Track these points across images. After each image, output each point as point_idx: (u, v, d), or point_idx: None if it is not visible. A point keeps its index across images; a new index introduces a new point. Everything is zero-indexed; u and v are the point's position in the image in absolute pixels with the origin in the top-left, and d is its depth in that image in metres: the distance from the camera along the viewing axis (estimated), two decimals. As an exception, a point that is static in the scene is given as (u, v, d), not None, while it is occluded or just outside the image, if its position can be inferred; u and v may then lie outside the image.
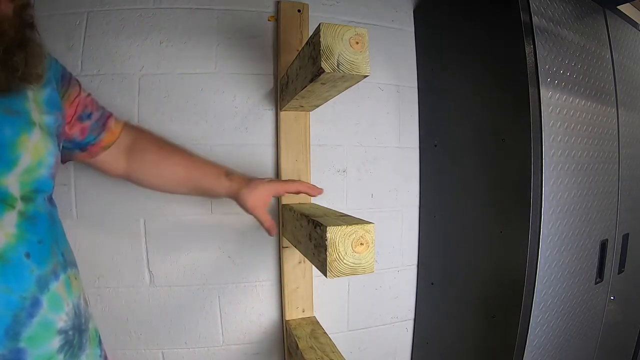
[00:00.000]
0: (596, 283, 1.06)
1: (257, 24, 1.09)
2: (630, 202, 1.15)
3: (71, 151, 0.77)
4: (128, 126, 0.86)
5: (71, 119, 0.72)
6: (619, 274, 1.15)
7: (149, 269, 1.04)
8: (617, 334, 1.24)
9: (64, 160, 0.79)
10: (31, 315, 0.51)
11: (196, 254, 1.06)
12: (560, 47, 0.92)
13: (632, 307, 1.29)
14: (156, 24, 1.03)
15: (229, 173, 0.86)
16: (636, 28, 1.22)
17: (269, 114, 1.10)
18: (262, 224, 0.86)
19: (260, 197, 0.84)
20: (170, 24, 1.04)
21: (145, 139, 0.86)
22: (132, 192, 1.02)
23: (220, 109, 1.07)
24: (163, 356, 1.07)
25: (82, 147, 0.77)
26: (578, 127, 0.95)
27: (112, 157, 0.82)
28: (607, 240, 1.07)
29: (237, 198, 0.86)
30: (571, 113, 0.94)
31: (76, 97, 0.73)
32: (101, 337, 0.70)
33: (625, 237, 1.16)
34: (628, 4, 1.19)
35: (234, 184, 0.85)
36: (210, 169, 0.86)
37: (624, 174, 1.11)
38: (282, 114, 1.05)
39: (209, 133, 1.06)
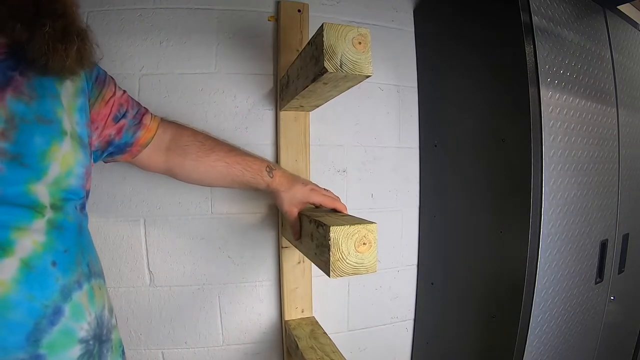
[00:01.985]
0: (596, 283, 1.06)
1: (257, 24, 1.09)
2: (630, 202, 1.15)
3: (112, 155, 0.77)
4: (165, 122, 0.85)
5: (106, 120, 0.71)
6: (619, 274, 1.15)
7: (149, 269, 1.04)
8: (617, 334, 1.24)
9: (107, 161, 0.81)
10: (52, 323, 0.51)
11: (196, 254, 1.06)
12: (560, 47, 0.92)
13: (632, 307, 1.29)
14: (156, 24, 1.03)
15: (270, 168, 0.86)
16: (636, 28, 1.22)
17: (268, 114, 1.10)
18: (290, 227, 0.87)
19: (297, 205, 0.84)
20: (170, 24, 1.04)
21: (185, 134, 0.85)
22: (132, 192, 1.02)
23: (220, 109, 1.07)
24: (163, 356, 1.06)
25: (122, 148, 0.76)
26: (578, 127, 0.96)
27: (150, 153, 0.81)
28: (607, 240, 1.07)
29: (275, 198, 0.87)
30: (571, 113, 0.94)
31: (111, 97, 0.72)
32: (124, 349, 0.71)
33: (625, 237, 1.16)
34: (628, 4, 1.19)
35: (274, 182, 0.85)
36: (252, 164, 0.85)
37: (624, 174, 1.11)
38: (282, 113, 1.05)
39: (209, 133, 1.05)
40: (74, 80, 0.61)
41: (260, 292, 1.12)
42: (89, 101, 0.66)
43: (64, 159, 0.55)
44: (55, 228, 0.53)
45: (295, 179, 0.87)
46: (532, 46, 0.86)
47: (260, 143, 1.09)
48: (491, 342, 0.97)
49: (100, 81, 0.70)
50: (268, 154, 1.10)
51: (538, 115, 0.86)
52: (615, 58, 1.09)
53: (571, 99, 0.94)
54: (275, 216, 1.10)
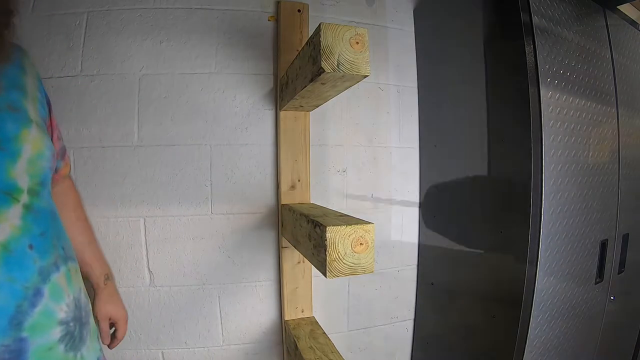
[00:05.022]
0: (596, 283, 1.06)
1: (257, 24, 1.09)
2: (630, 202, 1.15)
3: None
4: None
5: (52, 137, 0.72)
6: (619, 274, 1.15)
7: (149, 269, 1.04)
8: (617, 334, 1.24)
9: None
10: (33, 305, 0.52)
11: (196, 254, 1.06)
12: (560, 47, 0.92)
13: (632, 307, 1.29)
14: (156, 24, 1.03)
15: (108, 277, 0.85)
16: (636, 28, 1.22)
17: (268, 114, 1.10)
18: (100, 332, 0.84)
19: (108, 313, 0.83)
20: (170, 24, 1.04)
21: (72, 192, 0.84)
22: (132, 192, 1.02)
23: (220, 109, 1.07)
24: (163, 356, 1.07)
25: (56, 168, 0.75)
26: (578, 127, 0.95)
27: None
28: (607, 240, 1.06)
29: (94, 296, 0.84)
30: (571, 113, 0.93)
31: (52, 118, 0.73)
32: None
33: (625, 237, 1.15)
34: (628, 4, 1.18)
35: (103, 286, 0.83)
36: (100, 260, 0.84)
37: (624, 174, 1.11)
38: (282, 113, 1.05)
39: (209, 133, 1.06)
40: (32, 76, 0.63)
41: (260, 292, 1.12)
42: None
43: (34, 143, 0.57)
44: (30, 212, 0.55)
45: (119, 298, 0.87)
46: (532, 46, 0.86)
47: (260, 143, 1.09)
48: (491, 342, 0.97)
49: (47, 100, 0.71)
50: (268, 154, 1.10)
51: (538, 116, 0.85)
52: (615, 58, 1.08)
53: (571, 99, 0.94)
54: (275, 216, 1.10)
